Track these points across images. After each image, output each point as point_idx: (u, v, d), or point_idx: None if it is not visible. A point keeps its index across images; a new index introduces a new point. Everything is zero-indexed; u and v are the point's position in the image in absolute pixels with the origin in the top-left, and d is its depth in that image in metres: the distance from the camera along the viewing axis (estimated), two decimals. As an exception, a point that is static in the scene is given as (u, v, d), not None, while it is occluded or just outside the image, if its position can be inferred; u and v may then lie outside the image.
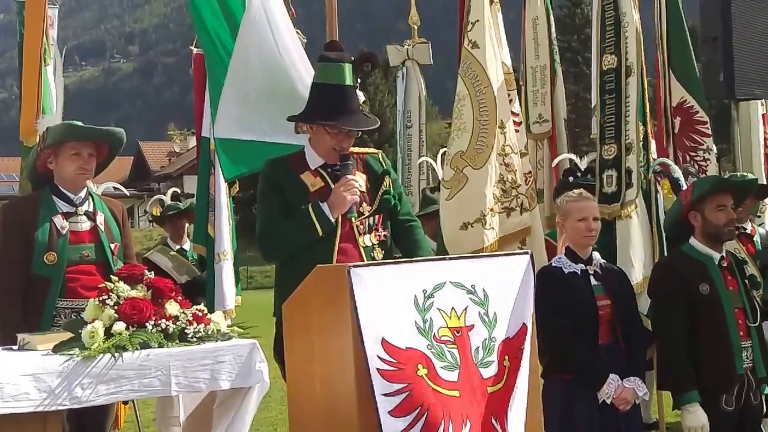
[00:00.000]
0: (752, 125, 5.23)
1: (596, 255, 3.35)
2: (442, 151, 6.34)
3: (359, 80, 3.14)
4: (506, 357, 2.50)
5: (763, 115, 5.44)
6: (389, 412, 2.24)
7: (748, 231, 4.49)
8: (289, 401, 2.73)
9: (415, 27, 6.66)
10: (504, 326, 2.52)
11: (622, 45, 3.91)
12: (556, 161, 4.57)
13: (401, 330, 2.34)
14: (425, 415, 2.28)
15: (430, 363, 2.35)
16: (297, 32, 4.09)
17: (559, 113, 5.31)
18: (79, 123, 3.30)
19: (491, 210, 3.77)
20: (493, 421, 2.42)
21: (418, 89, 6.71)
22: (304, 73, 3.81)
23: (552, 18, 5.43)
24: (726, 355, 3.28)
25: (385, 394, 2.25)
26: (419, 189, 6.27)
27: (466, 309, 2.46)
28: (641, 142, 3.92)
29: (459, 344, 2.41)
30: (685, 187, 3.58)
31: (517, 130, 4.00)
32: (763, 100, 5.34)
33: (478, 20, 3.91)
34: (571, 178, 4.73)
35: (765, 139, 5.42)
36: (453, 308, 2.44)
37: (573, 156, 5.06)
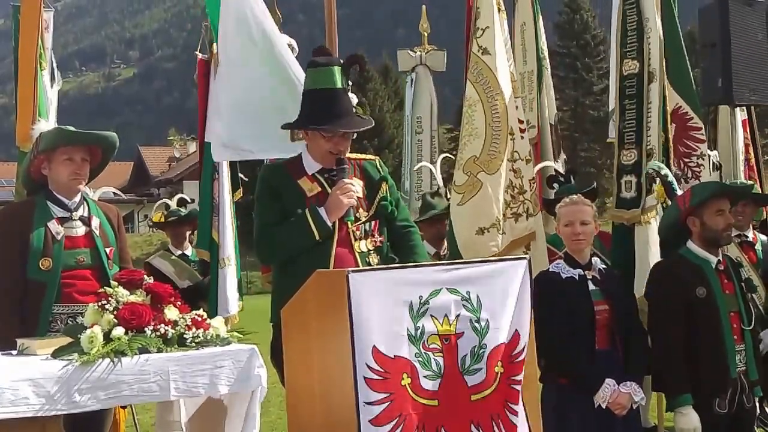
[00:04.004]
0: (732, 130, 5.25)
1: (596, 260, 3.36)
2: (441, 156, 6.37)
3: (349, 84, 3.16)
4: (499, 363, 2.52)
5: (743, 121, 5.46)
6: (370, 421, 2.28)
7: (749, 239, 4.49)
8: (288, 406, 2.73)
9: (426, 34, 6.70)
10: (498, 333, 2.54)
11: (645, 51, 3.88)
12: (537, 168, 4.61)
13: (393, 337, 2.36)
14: (401, 426, 2.32)
15: (415, 372, 2.38)
16: (288, 43, 4.08)
17: (545, 119, 5.32)
18: (72, 128, 3.30)
19: (503, 215, 3.80)
20: (473, 428, 2.45)
21: (429, 95, 6.73)
22: (297, 82, 3.82)
23: (540, 23, 5.43)
24: (720, 359, 3.30)
25: (368, 403, 2.29)
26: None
27: (458, 316, 2.48)
28: (662, 148, 3.90)
29: (445, 352, 2.44)
30: (679, 191, 3.59)
31: (522, 137, 4.01)
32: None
33: (488, 27, 3.92)
34: (555, 185, 4.76)
35: (746, 145, 5.44)
36: (446, 315, 2.46)
37: (552, 163, 5.08)
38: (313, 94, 3.11)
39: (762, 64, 5.06)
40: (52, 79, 4.67)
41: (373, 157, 3.35)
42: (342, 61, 3.15)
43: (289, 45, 4.16)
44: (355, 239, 3.07)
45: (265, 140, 3.77)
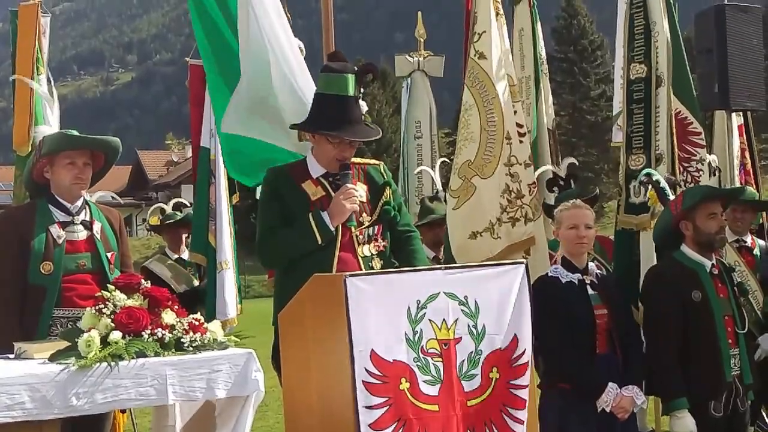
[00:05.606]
0: (728, 135, 5.27)
1: (592, 265, 3.37)
2: (440, 160, 6.39)
3: (362, 92, 3.16)
4: (495, 368, 2.53)
5: (739, 126, 5.48)
6: (369, 425, 2.29)
7: (747, 244, 4.52)
8: (286, 410, 2.73)
9: (422, 40, 6.71)
10: (494, 338, 2.54)
11: (652, 54, 3.87)
12: (537, 172, 4.63)
13: (391, 342, 2.37)
14: (401, 430, 2.33)
15: (414, 377, 2.39)
16: (297, 46, 4.08)
17: (542, 124, 5.33)
18: (75, 132, 3.31)
19: (498, 219, 3.81)
20: None
21: (428, 100, 6.73)
22: (302, 84, 3.81)
23: (538, 29, 5.45)
24: (716, 363, 3.31)
25: (368, 407, 2.30)
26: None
27: (456, 321, 2.48)
28: (670, 153, 3.90)
29: (444, 357, 2.44)
30: (671, 196, 3.60)
31: (521, 141, 4.01)
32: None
33: (485, 31, 3.93)
34: (555, 188, 4.76)
35: (742, 150, 5.47)
36: (444, 320, 2.47)
37: (551, 166, 5.09)
38: (323, 99, 3.11)
39: (758, 70, 5.09)
40: (48, 82, 4.67)
41: (377, 162, 3.35)
42: (356, 69, 3.14)
43: (298, 48, 4.16)
44: (359, 244, 3.07)
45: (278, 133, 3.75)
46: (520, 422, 2.54)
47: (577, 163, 5.41)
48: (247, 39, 3.68)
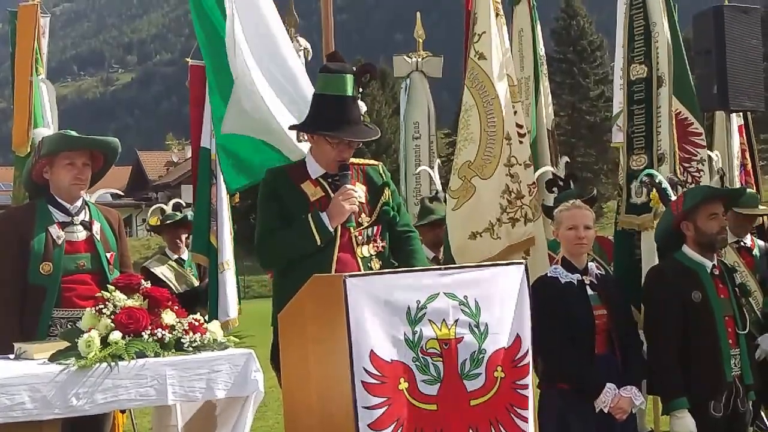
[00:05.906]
0: (728, 136, 5.28)
1: (592, 265, 3.37)
2: (439, 161, 6.40)
3: (360, 92, 3.16)
4: (499, 367, 2.53)
5: (739, 126, 5.49)
6: (368, 425, 2.30)
7: (747, 244, 4.53)
8: (285, 410, 2.74)
9: (420, 40, 6.72)
10: (497, 337, 2.55)
11: (652, 55, 3.88)
12: (537, 173, 4.64)
13: (390, 342, 2.37)
14: (400, 429, 2.34)
15: (412, 376, 2.39)
16: (304, 47, 4.09)
17: (542, 124, 5.35)
18: (74, 133, 3.31)
19: (498, 220, 3.81)
20: None
21: (426, 101, 6.74)
22: (304, 87, 3.82)
23: (538, 30, 5.47)
24: (716, 363, 3.31)
25: (367, 407, 2.31)
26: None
27: (456, 321, 2.49)
28: (672, 153, 3.91)
29: (445, 357, 2.44)
30: (673, 197, 3.60)
31: (521, 142, 4.02)
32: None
33: (485, 32, 3.94)
34: (555, 189, 4.77)
35: (742, 150, 5.48)
36: (444, 320, 2.47)
37: (552, 168, 5.10)
38: (322, 99, 3.11)
39: (757, 70, 5.10)
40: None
41: (376, 162, 3.35)
42: (354, 69, 3.14)
43: (305, 49, 4.18)
44: (358, 244, 3.07)
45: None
46: (526, 420, 2.56)
47: (569, 161, 5.44)
48: (233, 46, 3.70)
